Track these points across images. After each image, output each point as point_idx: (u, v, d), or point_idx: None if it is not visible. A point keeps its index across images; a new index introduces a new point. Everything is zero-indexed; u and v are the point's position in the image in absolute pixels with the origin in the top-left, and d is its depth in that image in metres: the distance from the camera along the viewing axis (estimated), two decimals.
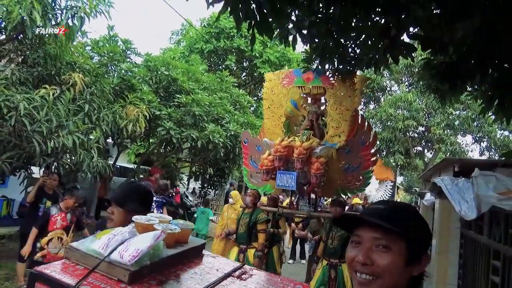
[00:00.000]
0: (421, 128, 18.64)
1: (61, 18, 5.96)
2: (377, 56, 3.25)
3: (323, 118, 5.98)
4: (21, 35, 6.10)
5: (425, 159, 20.13)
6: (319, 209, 6.16)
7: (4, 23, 5.51)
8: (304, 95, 6.23)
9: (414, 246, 1.03)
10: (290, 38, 3.36)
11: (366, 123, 5.88)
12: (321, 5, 3.04)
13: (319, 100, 6.08)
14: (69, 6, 6.01)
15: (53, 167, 6.29)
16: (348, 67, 4.16)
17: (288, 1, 2.57)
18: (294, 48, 3.79)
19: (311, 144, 5.26)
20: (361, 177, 5.47)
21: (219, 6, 2.71)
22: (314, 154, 5.13)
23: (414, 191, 33.23)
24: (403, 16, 2.67)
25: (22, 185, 6.41)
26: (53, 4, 5.93)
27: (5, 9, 5.05)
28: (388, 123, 17.77)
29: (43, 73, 6.58)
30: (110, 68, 9.09)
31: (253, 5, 2.64)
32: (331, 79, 5.57)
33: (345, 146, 5.43)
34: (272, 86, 6.27)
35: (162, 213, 7.39)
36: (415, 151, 19.53)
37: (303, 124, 6.13)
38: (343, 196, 5.88)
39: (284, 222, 6.74)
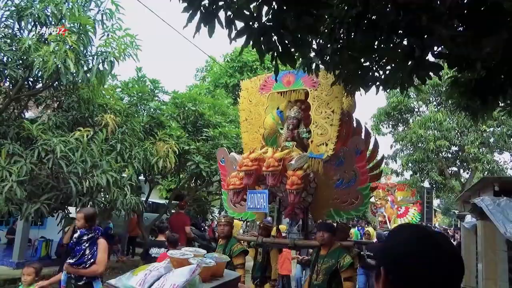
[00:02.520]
0: (454, 148, 18.07)
1: (92, 63, 6.27)
2: (402, 77, 3.23)
3: (305, 128, 5.10)
4: (56, 82, 6.43)
5: (462, 180, 19.40)
6: (313, 236, 4.85)
7: (40, 72, 5.85)
8: (290, 102, 5.38)
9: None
10: (313, 66, 3.40)
11: (364, 129, 5.13)
12: (342, 31, 3.08)
13: (303, 103, 5.20)
14: (99, 52, 6.33)
15: (88, 206, 6.45)
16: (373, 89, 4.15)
17: (308, 31, 2.61)
18: (317, 76, 3.82)
19: (287, 154, 4.33)
20: (358, 195, 4.49)
21: (241, 41, 2.79)
22: (290, 166, 4.19)
23: (452, 213, 31.89)
24: (426, 36, 2.66)
25: (60, 226, 6.59)
26: (85, 51, 6.26)
27: (41, 59, 5.36)
28: (419, 145, 17.34)
29: (77, 116, 6.88)
30: (139, 107, 9.40)
31: (275, 37, 2.70)
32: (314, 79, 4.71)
33: (334, 156, 4.53)
34: (249, 95, 5.46)
35: None
36: (450, 171, 18.87)
37: (283, 135, 5.20)
38: (338, 219, 4.98)
39: (276, 254, 5.60)
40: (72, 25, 6.12)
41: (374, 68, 3.65)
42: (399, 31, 2.84)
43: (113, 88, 9.00)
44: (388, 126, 19.38)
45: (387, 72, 3.61)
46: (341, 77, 3.58)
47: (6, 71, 5.86)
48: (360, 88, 3.98)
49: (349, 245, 4.58)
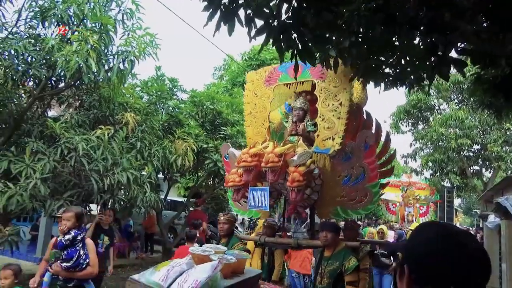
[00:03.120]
0: (476, 147, 17.67)
1: (113, 63, 6.37)
2: (424, 74, 3.18)
3: (310, 121, 4.83)
4: (78, 81, 6.56)
5: (484, 179, 18.96)
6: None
7: (63, 71, 5.98)
8: (295, 93, 5.13)
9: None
10: (331, 61, 3.37)
11: (375, 122, 4.82)
12: (360, 25, 3.04)
13: (309, 94, 4.95)
14: (120, 51, 6.42)
15: (109, 203, 6.57)
16: (393, 87, 4.09)
17: (328, 27, 2.60)
18: (336, 71, 3.79)
19: (288, 149, 4.11)
20: (367, 192, 4.23)
21: (260, 39, 2.79)
22: (292, 162, 3.97)
23: (474, 213, 31.23)
24: (449, 33, 2.61)
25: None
26: (106, 51, 6.36)
27: (64, 59, 5.47)
28: (440, 143, 17.02)
29: (98, 115, 7.01)
30: (158, 106, 9.52)
31: (294, 35, 2.70)
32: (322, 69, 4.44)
33: (341, 151, 4.29)
34: (255, 87, 5.23)
35: None
36: (471, 171, 18.47)
37: (288, 129, 4.96)
38: (346, 218, 4.65)
39: (281, 254, 5.25)
40: (93, 25, 6.24)
41: (392, 65, 3.60)
42: (420, 28, 2.79)
43: (133, 87, 9.14)
44: (408, 125, 19.08)
45: (407, 69, 3.56)
46: (360, 72, 3.54)
47: (30, 71, 6.01)
48: (380, 85, 3.94)
49: (355, 245, 4.33)
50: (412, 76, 3.30)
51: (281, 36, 2.69)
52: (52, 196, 5.55)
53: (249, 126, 5.19)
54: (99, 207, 6.51)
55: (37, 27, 6.40)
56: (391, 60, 3.39)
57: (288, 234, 4.85)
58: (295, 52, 2.68)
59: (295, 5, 2.61)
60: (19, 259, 9.10)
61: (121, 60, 6.27)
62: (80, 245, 3.92)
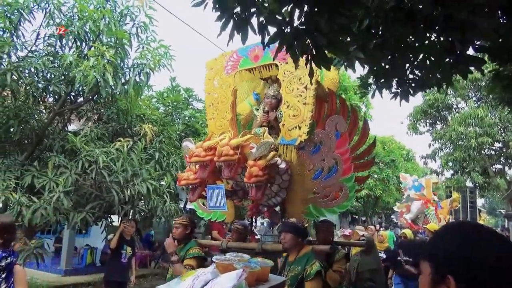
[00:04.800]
0: (497, 145, 17.29)
1: (129, 76, 6.48)
2: (441, 74, 3.13)
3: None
4: (96, 95, 6.69)
5: (508, 178, 18.49)
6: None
7: (81, 86, 6.11)
8: (268, 81, 4.58)
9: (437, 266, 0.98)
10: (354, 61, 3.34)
11: (350, 108, 4.24)
12: (376, 26, 3.03)
13: (274, 81, 4.45)
14: (135, 64, 6.54)
15: (130, 214, 6.65)
16: (409, 89, 4.03)
17: (342, 32, 2.59)
18: (354, 71, 3.75)
19: (246, 141, 3.60)
20: (342, 187, 3.66)
21: (274, 45, 2.80)
22: (250, 155, 3.49)
23: (499, 213, 30.45)
24: (466, 30, 2.57)
25: (103, 234, 6.83)
26: (122, 64, 6.48)
27: (82, 74, 5.59)
28: (460, 142, 16.71)
29: (117, 127, 7.13)
30: (175, 116, 9.62)
31: (308, 40, 2.70)
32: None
33: (310, 142, 3.81)
34: (214, 75, 4.71)
35: None
36: (494, 169, 18.05)
37: (258, 119, 4.46)
38: (318, 217, 4.10)
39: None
40: (109, 39, 6.37)
41: (408, 66, 3.56)
42: (436, 27, 2.76)
43: (149, 99, 9.27)
44: (426, 125, 18.84)
45: (423, 71, 3.52)
46: (373, 75, 3.51)
47: (50, 87, 6.18)
48: (392, 88, 3.89)
49: (323, 249, 3.83)
50: (431, 75, 3.26)
51: (295, 42, 2.70)
52: (74, 209, 5.65)
53: (211, 119, 4.68)
54: (119, 218, 6.60)
55: (55, 45, 6.57)
56: (405, 62, 3.36)
57: (257, 237, 4.45)
58: (310, 58, 2.68)
59: (308, 10, 2.62)
60: (44, 271, 9.28)
61: (137, 73, 6.38)
62: (4, 275, 2.85)
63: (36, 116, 6.73)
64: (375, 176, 22.24)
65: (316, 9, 2.57)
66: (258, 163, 3.42)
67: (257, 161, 3.44)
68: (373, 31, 2.93)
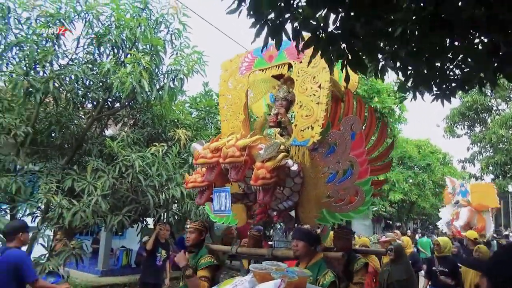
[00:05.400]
0: None
1: (164, 82, 6.62)
2: (484, 75, 3.01)
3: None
4: (132, 101, 6.88)
5: None
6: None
7: (118, 93, 6.30)
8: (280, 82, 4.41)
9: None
10: (385, 70, 3.28)
11: (367, 107, 4.02)
12: (413, 33, 2.95)
13: (287, 80, 4.28)
14: (170, 70, 6.68)
15: (164, 217, 6.78)
16: (447, 91, 3.90)
17: (380, 36, 2.54)
18: (383, 80, 3.67)
19: (254, 142, 3.46)
20: (357, 191, 3.44)
21: (309, 50, 2.78)
22: (258, 156, 3.34)
23: None
24: (510, 31, 2.47)
25: (139, 236, 6.99)
26: (157, 71, 6.63)
27: (119, 80, 5.76)
28: (500, 146, 16.00)
29: (152, 132, 7.30)
30: (207, 121, 9.72)
31: (343, 45, 2.66)
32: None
33: (323, 143, 3.61)
34: (229, 76, 4.61)
35: None
36: None
37: (268, 120, 4.28)
38: (334, 223, 3.83)
39: None
40: (145, 47, 6.54)
41: (447, 68, 3.44)
42: (478, 28, 2.66)
43: (183, 104, 9.42)
44: (464, 128, 18.15)
45: (465, 71, 3.40)
46: (411, 78, 3.42)
47: (89, 94, 6.42)
48: (432, 91, 3.77)
49: (335, 256, 3.64)
50: (473, 74, 3.14)
51: (330, 47, 2.67)
52: (112, 212, 5.82)
53: (224, 121, 4.58)
54: (154, 221, 6.75)
55: (93, 53, 6.80)
56: (447, 65, 3.25)
57: (270, 243, 4.30)
58: (345, 63, 2.64)
59: (343, 15, 2.58)
60: (82, 271, 9.60)
61: (171, 79, 6.51)
62: None
63: (75, 121, 6.99)
64: (410, 180, 21.66)
65: (351, 13, 2.54)
66: (265, 165, 3.26)
67: (265, 162, 3.28)
68: (408, 38, 2.86)
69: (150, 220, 7.18)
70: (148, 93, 6.16)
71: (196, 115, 9.61)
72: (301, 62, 3.87)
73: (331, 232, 4.47)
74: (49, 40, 6.21)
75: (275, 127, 4.10)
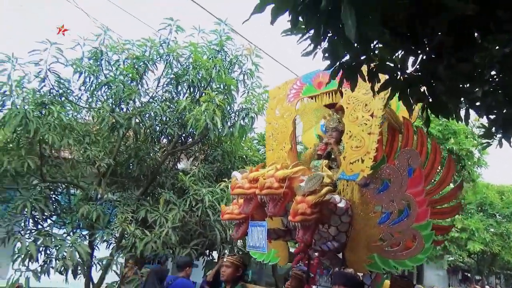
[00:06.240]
0: None
1: (235, 119, 6.85)
2: None
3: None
4: (205, 138, 7.17)
5: None
6: None
7: (192, 129, 6.62)
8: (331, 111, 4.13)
9: None
10: (462, 112, 3.11)
11: (420, 138, 3.56)
12: (496, 73, 2.79)
13: (338, 110, 4.01)
14: (241, 109, 6.91)
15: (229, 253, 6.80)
16: None
17: (465, 79, 2.43)
18: (467, 124, 3.48)
19: (295, 173, 3.16)
20: (415, 236, 3.01)
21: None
22: (299, 189, 3.03)
23: None
24: None
25: (203, 270, 7.07)
26: (229, 109, 6.90)
27: (194, 118, 6.06)
28: None
29: (221, 168, 7.50)
30: None
31: (423, 88, 2.58)
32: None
33: (375, 178, 3.26)
34: (277, 104, 4.41)
35: None
36: None
37: (316, 149, 4.02)
38: (387, 271, 3.35)
39: None
40: (218, 86, 6.87)
41: None
42: None
43: (251, 140, 9.63)
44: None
45: None
46: (498, 122, 3.20)
47: (166, 130, 6.83)
48: None
49: None
50: None
51: (408, 89, 2.60)
52: (180, 244, 5.98)
53: (270, 151, 4.37)
54: (219, 255, 6.80)
55: (172, 91, 7.27)
56: None
57: (313, 287, 3.91)
58: (425, 106, 2.55)
59: (424, 57, 2.52)
60: None
61: (242, 117, 6.72)
62: None
63: (151, 155, 7.42)
64: (492, 230, 19.77)
65: (433, 56, 2.47)
66: (306, 199, 2.95)
67: (306, 196, 2.97)
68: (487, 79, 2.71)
69: (215, 255, 7.26)
70: (220, 130, 6.39)
71: (263, 152, 9.75)
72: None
73: (386, 281, 4.11)
74: (134, 80, 6.76)
75: (324, 158, 3.84)
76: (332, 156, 3.88)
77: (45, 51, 5.98)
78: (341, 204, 3.19)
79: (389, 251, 3.12)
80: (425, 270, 19.90)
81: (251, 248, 3.44)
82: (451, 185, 4.27)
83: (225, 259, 4.11)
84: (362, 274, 3.38)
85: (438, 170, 3.59)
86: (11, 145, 6.38)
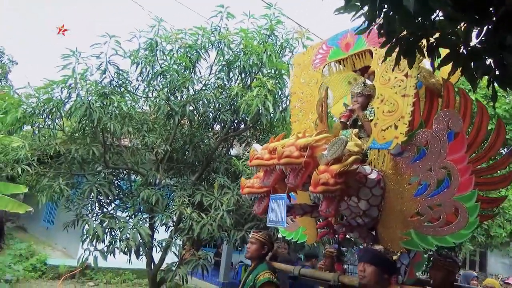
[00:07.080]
0: None
1: (286, 103, 6.83)
2: None
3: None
4: (256, 123, 7.22)
5: None
6: None
7: (243, 115, 6.69)
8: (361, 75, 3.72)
9: None
10: None
11: (463, 100, 3.13)
12: None
13: (371, 74, 3.52)
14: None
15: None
16: None
17: None
18: None
19: (317, 141, 2.82)
20: (458, 208, 2.66)
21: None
22: (322, 158, 2.68)
23: None
24: None
25: None
26: (280, 93, 6.88)
27: (245, 103, 6.11)
28: None
29: None
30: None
31: (490, 60, 2.43)
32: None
33: (411, 145, 2.91)
34: (301, 71, 4.00)
35: None
36: None
37: (340, 119, 3.63)
38: (424, 248, 2.92)
39: None
40: (269, 71, 6.87)
41: None
42: None
43: None
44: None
45: None
46: None
47: (219, 116, 6.96)
48: None
49: None
50: None
51: (472, 63, 2.45)
52: (234, 227, 6.12)
53: (295, 122, 4.03)
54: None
55: (223, 78, 7.38)
56: None
57: (344, 267, 3.68)
58: (492, 79, 2.39)
59: (490, 27, 2.36)
60: (205, 281, 10.24)
61: None
62: None
63: (205, 141, 7.61)
64: None
65: (501, 25, 2.31)
66: (330, 168, 2.60)
67: (330, 166, 2.63)
68: None
69: None
70: (272, 115, 6.40)
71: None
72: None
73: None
74: (187, 68, 6.93)
75: (351, 127, 3.51)
76: (359, 123, 3.56)
77: (105, 44, 6.32)
78: (372, 175, 2.91)
79: (428, 227, 2.81)
80: (488, 258, 18.85)
81: (272, 223, 3.13)
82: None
83: (250, 235, 3.93)
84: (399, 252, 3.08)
85: (485, 136, 3.14)
86: (77, 134, 6.87)
